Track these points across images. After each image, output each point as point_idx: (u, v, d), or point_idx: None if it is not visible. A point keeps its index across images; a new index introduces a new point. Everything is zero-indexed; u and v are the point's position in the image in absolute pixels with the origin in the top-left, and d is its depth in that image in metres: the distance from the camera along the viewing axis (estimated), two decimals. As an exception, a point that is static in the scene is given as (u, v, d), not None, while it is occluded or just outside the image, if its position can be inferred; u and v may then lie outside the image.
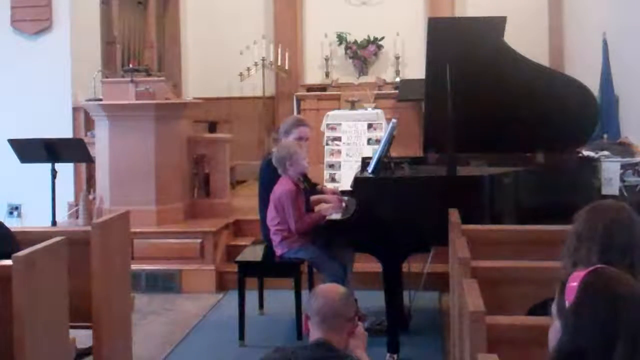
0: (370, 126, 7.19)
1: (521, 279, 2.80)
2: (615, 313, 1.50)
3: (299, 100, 9.26)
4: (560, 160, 4.95)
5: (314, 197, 4.86)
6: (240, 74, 9.49)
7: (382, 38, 9.76)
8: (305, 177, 4.78)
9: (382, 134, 6.66)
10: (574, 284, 1.60)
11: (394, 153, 4.92)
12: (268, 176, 4.75)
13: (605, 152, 5.52)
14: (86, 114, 6.89)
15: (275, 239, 4.58)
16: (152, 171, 6.16)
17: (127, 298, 4.06)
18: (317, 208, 4.81)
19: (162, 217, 6.18)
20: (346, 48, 9.88)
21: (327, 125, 7.39)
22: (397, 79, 9.48)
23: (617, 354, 1.48)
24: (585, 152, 5.34)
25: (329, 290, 2.57)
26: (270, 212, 4.58)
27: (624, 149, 5.69)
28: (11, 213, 7.11)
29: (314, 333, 2.43)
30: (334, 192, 4.94)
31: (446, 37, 4.57)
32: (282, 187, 4.51)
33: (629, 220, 2.17)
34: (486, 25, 4.82)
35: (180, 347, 4.65)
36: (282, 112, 9.60)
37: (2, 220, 3.52)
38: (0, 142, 6.09)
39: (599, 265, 1.68)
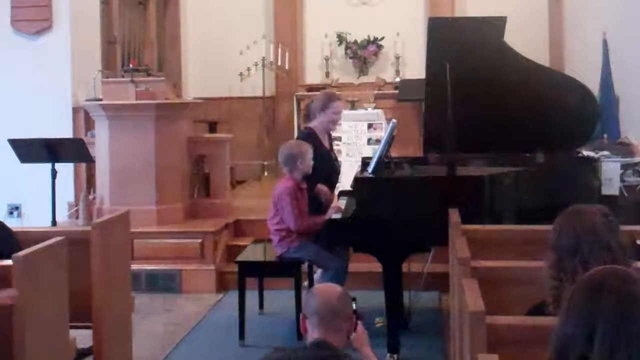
0: (370, 126, 7.18)
1: (521, 279, 2.80)
2: (597, 303, 1.54)
3: (299, 100, 9.26)
4: (560, 160, 4.95)
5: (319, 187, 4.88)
6: (240, 74, 9.50)
7: (382, 38, 9.76)
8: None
9: (382, 134, 6.65)
10: None
11: (394, 153, 4.91)
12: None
13: (605, 152, 5.52)
14: (86, 114, 6.88)
15: (275, 238, 4.58)
16: (152, 171, 6.15)
17: (127, 298, 4.06)
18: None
19: (162, 217, 6.17)
20: (346, 48, 9.87)
21: (327, 125, 7.37)
22: (397, 79, 9.47)
23: (597, 344, 1.51)
24: (585, 152, 5.34)
25: (326, 289, 2.55)
26: (270, 211, 4.58)
27: (624, 149, 5.69)
28: (11, 213, 7.10)
29: (313, 333, 2.42)
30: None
31: (446, 37, 4.57)
32: (283, 185, 4.52)
33: (575, 222, 2.25)
34: (486, 25, 4.82)
35: (180, 347, 4.65)
36: (282, 112, 9.62)
37: (2, 220, 3.52)
38: (0, 142, 6.09)
39: (608, 266, 1.70)
